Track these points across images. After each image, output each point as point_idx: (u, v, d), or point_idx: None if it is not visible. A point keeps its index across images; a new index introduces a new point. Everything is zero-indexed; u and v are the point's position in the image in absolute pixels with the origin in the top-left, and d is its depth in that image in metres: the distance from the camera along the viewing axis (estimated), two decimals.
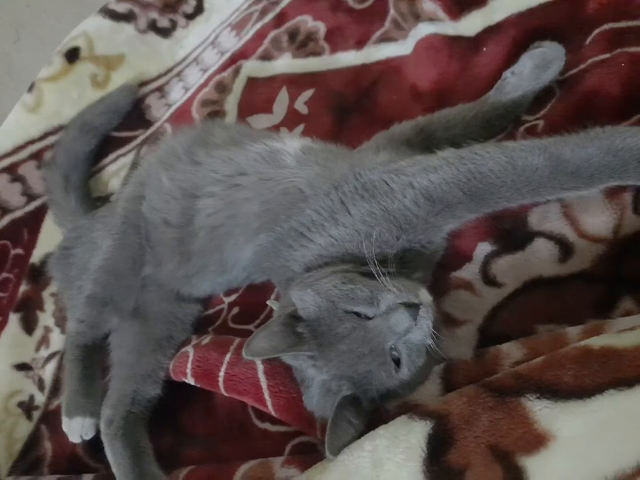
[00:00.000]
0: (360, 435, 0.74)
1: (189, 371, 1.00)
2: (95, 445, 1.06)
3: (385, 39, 1.21)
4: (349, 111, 1.21)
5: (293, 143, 0.97)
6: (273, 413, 0.90)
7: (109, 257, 1.08)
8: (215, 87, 1.45)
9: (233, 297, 1.14)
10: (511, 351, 0.75)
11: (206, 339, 1.06)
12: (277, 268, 0.92)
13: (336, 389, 0.77)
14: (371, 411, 0.78)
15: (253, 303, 1.11)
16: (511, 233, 0.86)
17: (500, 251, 0.86)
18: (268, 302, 0.93)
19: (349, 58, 1.26)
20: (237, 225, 0.96)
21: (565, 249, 0.81)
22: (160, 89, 1.54)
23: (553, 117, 0.88)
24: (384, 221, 0.81)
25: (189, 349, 1.03)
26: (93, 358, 1.12)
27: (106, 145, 1.47)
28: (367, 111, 1.17)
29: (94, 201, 1.42)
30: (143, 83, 1.52)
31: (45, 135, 1.47)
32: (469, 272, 0.88)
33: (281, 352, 0.78)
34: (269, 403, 0.90)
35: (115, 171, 1.48)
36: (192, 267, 1.03)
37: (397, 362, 0.76)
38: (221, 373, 0.95)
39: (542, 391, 0.62)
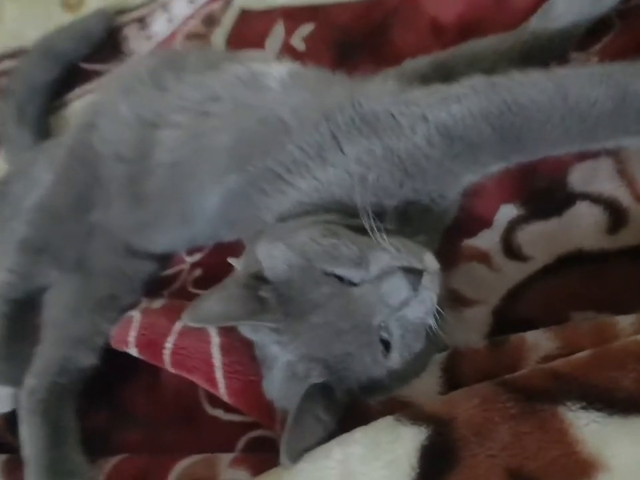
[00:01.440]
0: (329, 436, 0.57)
1: (131, 339, 0.82)
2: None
3: None
4: (354, 49, 1.02)
5: (280, 67, 0.78)
6: (224, 397, 0.72)
7: (48, 195, 0.90)
8: (203, 19, 1.27)
9: (197, 257, 0.96)
10: (539, 341, 0.57)
11: (157, 303, 0.88)
12: (246, 219, 0.74)
13: (303, 373, 0.59)
14: (346, 406, 0.60)
15: (219, 265, 0.90)
16: (544, 193, 0.69)
17: (528, 216, 0.68)
18: (230, 259, 0.74)
19: None
20: (202, 161, 0.77)
21: (617, 216, 0.63)
22: (141, 20, 1.36)
23: (609, 54, 0.69)
24: (385, 162, 0.62)
25: (135, 313, 0.86)
26: (24, 316, 0.92)
27: (72, 77, 1.28)
28: (376, 50, 0.98)
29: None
30: (122, 11, 1.35)
31: (1, 58, 1.28)
32: (487, 240, 0.70)
33: (235, 320, 0.60)
34: (220, 385, 0.72)
35: (81, 108, 1.28)
36: (146, 213, 0.85)
37: (386, 344, 0.57)
38: (168, 344, 0.78)
39: (589, 399, 0.44)
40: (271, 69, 0.78)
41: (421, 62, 0.80)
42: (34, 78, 1.20)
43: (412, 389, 0.59)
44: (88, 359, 0.86)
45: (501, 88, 0.60)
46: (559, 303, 0.63)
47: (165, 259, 0.97)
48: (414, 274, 0.55)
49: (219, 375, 0.72)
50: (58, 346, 0.86)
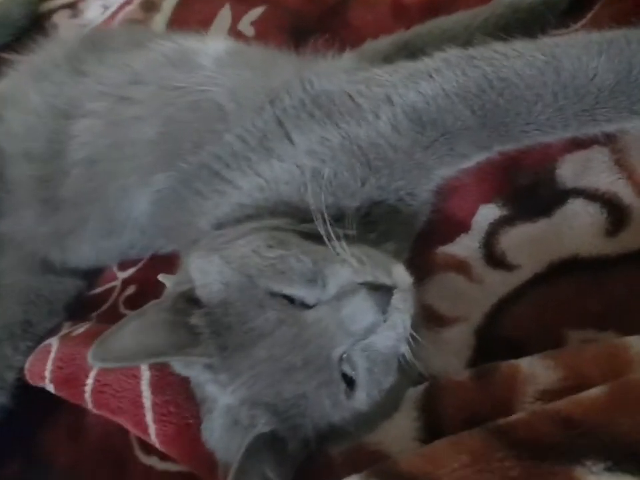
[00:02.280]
0: None
1: (48, 373, 0.69)
2: None
3: None
4: (309, 33, 0.90)
5: (216, 43, 0.66)
6: (156, 444, 0.60)
7: None
8: (140, 4, 1.15)
9: (130, 272, 0.83)
10: (536, 370, 0.46)
11: (80, 329, 0.74)
12: (180, 227, 0.61)
13: (247, 421, 0.47)
14: (301, 459, 0.48)
15: (156, 281, 0.78)
16: (530, 191, 0.59)
17: (513, 217, 0.59)
18: (160, 276, 0.61)
19: None
20: (123, 158, 0.64)
21: (617, 215, 0.54)
22: (72, 6, 1.24)
23: (603, 22, 0.59)
24: (343, 154, 0.51)
25: (53, 341, 0.72)
26: None
27: None
28: (332, 33, 0.87)
29: None
30: None
31: None
32: (465, 247, 0.60)
33: (158, 356, 0.47)
34: (151, 429, 0.60)
35: None
36: (62, 221, 0.72)
37: (350, 381, 0.46)
38: (89, 380, 0.65)
39: (616, 456, 0.33)
40: (206, 46, 0.66)
41: (383, 42, 0.70)
42: None
43: (383, 434, 0.48)
44: None
45: (480, 61, 0.49)
46: (553, 320, 0.53)
47: (92, 276, 0.83)
48: (381, 292, 0.44)
49: (149, 417, 0.60)
50: None
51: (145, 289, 0.81)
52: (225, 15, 1.02)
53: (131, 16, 1.14)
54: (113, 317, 0.80)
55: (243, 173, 0.54)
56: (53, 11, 1.20)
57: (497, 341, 0.55)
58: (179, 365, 0.52)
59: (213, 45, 0.66)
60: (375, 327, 0.44)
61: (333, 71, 0.56)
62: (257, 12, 0.99)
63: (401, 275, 0.46)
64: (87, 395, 0.65)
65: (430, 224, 0.61)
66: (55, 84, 0.73)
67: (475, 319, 0.57)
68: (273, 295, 0.45)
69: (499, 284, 0.57)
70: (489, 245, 0.58)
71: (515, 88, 0.48)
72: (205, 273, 0.49)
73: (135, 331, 0.47)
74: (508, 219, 0.58)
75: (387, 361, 0.46)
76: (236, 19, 1.00)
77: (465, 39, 0.64)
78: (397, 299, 0.44)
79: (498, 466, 0.36)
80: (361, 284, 0.44)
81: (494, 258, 0.58)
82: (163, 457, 0.65)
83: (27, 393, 0.75)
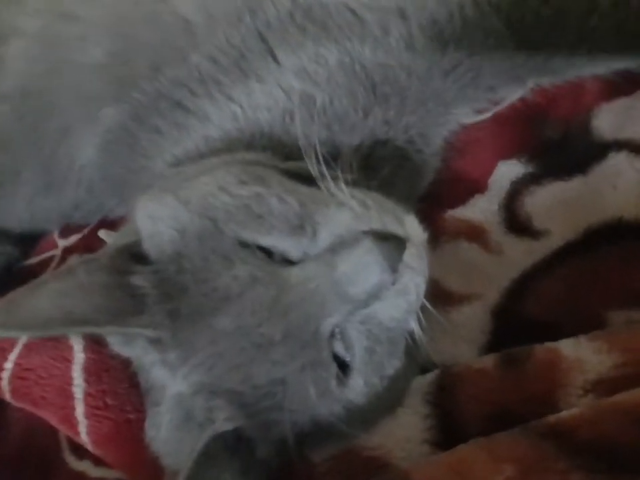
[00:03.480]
0: None
1: None
2: None
3: None
4: None
5: None
6: (89, 446, 0.48)
7: None
8: None
9: (73, 239, 0.69)
10: (583, 354, 0.36)
11: None
12: (133, 173, 0.49)
13: (203, 415, 0.35)
14: (273, 467, 0.36)
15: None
16: (560, 144, 0.49)
17: (540, 175, 0.49)
18: (101, 232, 0.49)
19: None
20: (62, 87, 0.52)
21: None
22: None
23: None
24: (342, 75, 0.41)
25: None
26: None
27: None
28: None
29: None
30: None
31: None
32: (481, 210, 0.50)
33: (82, 325, 0.35)
34: (82, 426, 0.48)
35: None
36: None
37: (343, 364, 0.34)
38: (8, 364, 0.52)
39: None
40: None
41: None
42: None
43: (382, 435, 0.37)
44: None
45: None
46: (589, 298, 0.44)
47: (27, 243, 0.70)
48: (392, 244, 0.33)
49: (79, 410, 0.48)
50: None
51: None
52: None
53: None
54: None
55: (212, 99, 0.43)
56: None
57: (518, 322, 0.45)
58: (117, 341, 0.40)
59: None
60: (381, 290, 0.33)
61: None
62: None
63: (414, 226, 0.36)
64: (4, 382, 0.52)
65: (436, 184, 0.51)
66: None
67: (491, 297, 0.46)
68: (245, 245, 0.34)
69: (523, 254, 0.47)
70: (511, 208, 0.48)
71: None
72: (155, 219, 0.37)
73: (55, 294, 0.35)
74: (534, 177, 0.48)
75: (392, 339, 0.35)
76: None
77: None
78: (410, 254, 0.34)
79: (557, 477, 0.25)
80: (365, 232, 0.32)
81: (517, 223, 0.47)
82: (98, 461, 0.52)
83: None
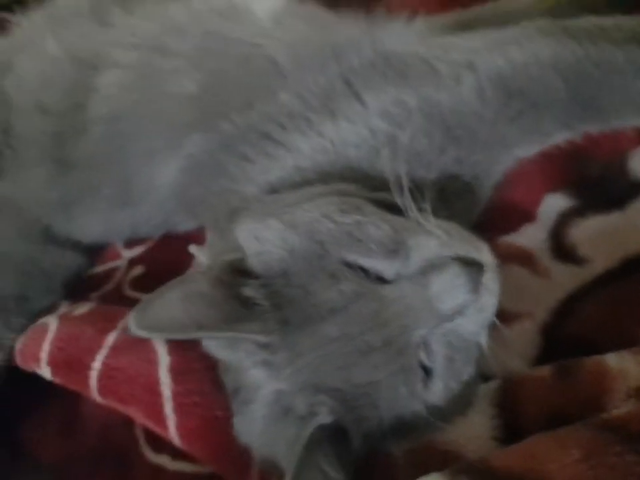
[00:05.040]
0: None
1: (44, 354, 0.61)
2: None
3: None
4: (344, 3, 0.86)
5: (266, 1, 0.60)
6: (175, 439, 0.52)
7: None
8: None
9: (137, 250, 0.75)
10: (627, 366, 0.42)
11: (81, 308, 0.66)
12: (215, 195, 0.55)
13: (305, 409, 0.40)
14: (361, 456, 0.42)
15: (167, 262, 0.72)
16: (600, 182, 0.55)
17: (583, 208, 0.55)
18: (191, 247, 0.54)
19: None
20: (153, 115, 0.58)
21: None
22: None
23: None
24: (422, 118, 0.46)
25: (51, 320, 0.64)
26: None
27: None
28: (371, 6, 0.82)
29: None
30: None
31: None
32: (531, 237, 0.55)
33: (207, 330, 0.41)
34: (170, 422, 0.52)
35: None
36: (72, 185, 0.65)
37: (426, 370, 0.40)
38: (96, 364, 0.57)
39: None
40: (255, 2, 0.60)
41: (442, 19, 0.66)
42: None
43: (455, 432, 0.42)
44: None
45: (576, 32, 0.46)
46: (627, 319, 0.49)
47: (94, 252, 0.75)
48: (474, 268, 0.38)
49: (168, 408, 0.52)
50: None
51: (154, 270, 0.73)
52: None
53: None
54: (117, 298, 0.72)
55: (303, 134, 0.49)
56: None
57: (564, 339, 0.51)
58: (219, 345, 0.45)
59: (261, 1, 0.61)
60: (465, 307, 0.39)
61: (404, 34, 0.52)
62: None
63: (488, 252, 0.41)
64: (92, 380, 0.57)
65: (489, 212, 0.57)
66: (78, 33, 0.66)
67: (540, 316, 0.52)
68: (348, 265, 0.39)
69: (568, 279, 0.52)
70: (557, 237, 0.54)
71: (614, 60, 0.44)
72: (261, 239, 0.43)
73: (180, 300, 0.41)
74: (578, 210, 0.54)
75: (468, 349, 0.41)
76: None
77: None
78: (488, 277, 0.39)
79: (617, 461, 0.31)
80: (452, 258, 0.38)
81: (562, 251, 0.53)
82: (176, 455, 0.57)
83: (13, 377, 0.67)
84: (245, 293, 0.42)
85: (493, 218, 0.57)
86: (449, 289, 0.38)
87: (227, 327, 0.40)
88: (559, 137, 0.49)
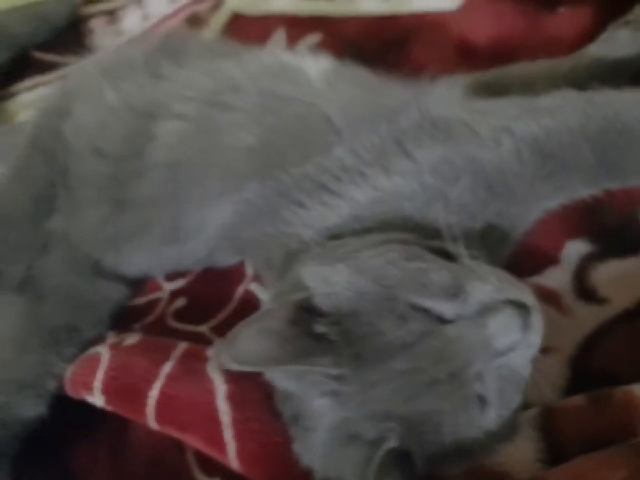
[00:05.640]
0: None
1: (97, 383, 0.64)
2: None
3: None
4: (369, 62, 0.93)
5: (316, 61, 0.67)
6: (234, 464, 0.56)
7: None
8: (187, 19, 1.14)
9: (179, 283, 0.79)
10: None
11: (130, 339, 0.70)
12: (267, 238, 0.60)
13: (373, 435, 0.45)
14: (423, 478, 0.46)
15: (208, 295, 0.77)
16: (616, 231, 0.61)
17: (602, 253, 0.60)
18: (252, 286, 0.59)
19: (371, 4, 0.99)
20: (212, 163, 0.63)
21: None
22: (112, 13, 1.21)
23: None
24: (467, 175, 0.52)
25: (102, 350, 0.67)
26: None
27: (23, 66, 1.12)
28: (395, 67, 0.90)
29: None
30: (91, 1, 1.20)
31: None
32: (556, 279, 0.61)
33: (286, 363, 0.45)
34: (230, 447, 0.56)
35: (29, 102, 1.11)
36: (125, 224, 0.68)
37: (481, 399, 0.45)
38: (152, 392, 0.61)
39: None
40: (306, 61, 0.66)
41: (464, 79, 0.73)
42: None
43: (504, 455, 0.47)
44: (34, 408, 0.66)
45: (600, 104, 0.52)
46: None
47: (137, 283, 0.79)
48: (523, 311, 0.44)
49: (227, 434, 0.56)
50: None
51: (195, 303, 0.77)
52: (279, 39, 1.02)
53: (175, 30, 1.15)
54: (160, 329, 0.76)
55: (358, 186, 0.54)
56: (91, 16, 1.18)
57: (591, 372, 0.56)
58: (289, 377, 0.49)
59: (312, 61, 0.67)
60: (517, 345, 0.44)
61: (446, 99, 0.58)
62: (313, 39, 0.99)
63: (532, 296, 0.47)
64: (149, 408, 0.60)
65: (517, 256, 0.63)
66: (134, 84, 0.71)
67: (567, 350, 0.57)
68: (414, 307, 0.45)
69: (590, 317, 0.58)
70: (579, 279, 0.60)
71: (636, 131, 0.51)
72: (330, 282, 0.48)
73: (256, 337, 0.45)
74: (597, 255, 0.60)
75: (517, 381, 0.46)
76: (291, 42, 1.00)
77: (548, 85, 0.69)
78: (534, 317, 0.45)
79: None
80: (504, 302, 0.44)
81: (584, 291, 0.59)
82: (227, 477, 0.61)
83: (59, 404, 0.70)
84: (316, 330, 0.46)
85: (520, 261, 0.63)
86: (503, 329, 0.43)
87: (304, 360, 0.45)
88: (584, 193, 0.55)
